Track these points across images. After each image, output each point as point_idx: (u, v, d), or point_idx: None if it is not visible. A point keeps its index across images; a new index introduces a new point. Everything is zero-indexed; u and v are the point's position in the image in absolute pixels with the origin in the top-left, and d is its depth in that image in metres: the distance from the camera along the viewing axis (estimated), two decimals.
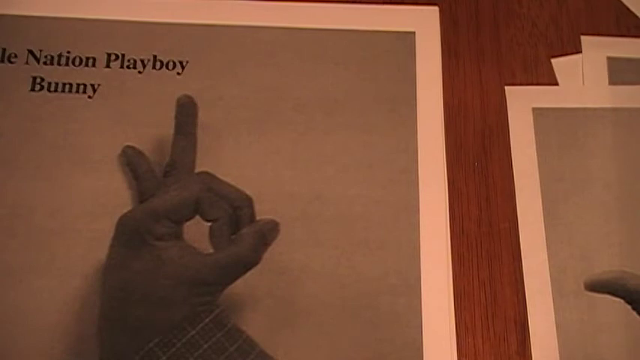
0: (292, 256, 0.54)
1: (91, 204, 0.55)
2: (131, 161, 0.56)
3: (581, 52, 0.62)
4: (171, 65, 0.59)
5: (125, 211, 0.53)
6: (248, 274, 0.51)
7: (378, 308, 0.53)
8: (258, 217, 0.54)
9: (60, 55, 0.60)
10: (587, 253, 0.55)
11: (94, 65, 0.59)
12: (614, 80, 0.61)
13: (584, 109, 0.60)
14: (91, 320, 0.51)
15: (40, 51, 0.60)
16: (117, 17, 0.61)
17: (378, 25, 0.61)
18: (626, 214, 0.56)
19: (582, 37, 0.62)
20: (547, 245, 0.55)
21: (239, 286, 0.52)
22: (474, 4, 0.64)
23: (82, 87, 0.59)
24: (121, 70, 0.59)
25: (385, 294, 0.53)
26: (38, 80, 0.59)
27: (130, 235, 0.51)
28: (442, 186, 0.57)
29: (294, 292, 0.53)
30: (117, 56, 0.60)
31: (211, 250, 0.52)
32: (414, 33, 0.61)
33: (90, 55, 0.60)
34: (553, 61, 0.62)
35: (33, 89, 0.58)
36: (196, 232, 0.53)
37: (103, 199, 0.55)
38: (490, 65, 0.61)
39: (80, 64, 0.59)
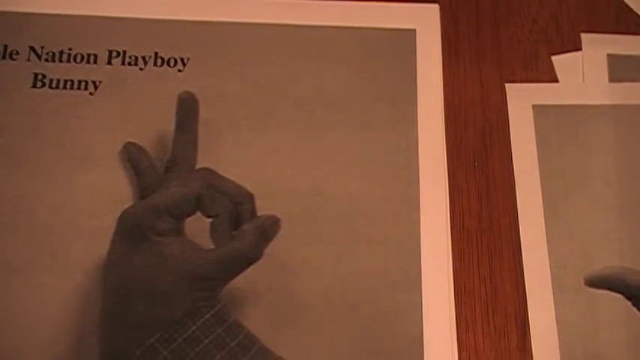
0: (293, 252, 0.54)
1: (93, 200, 0.55)
2: (132, 157, 0.56)
3: (581, 49, 0.62)
4: (172, 62, 0.60)
5: (126, 207, 0.53)
6: (249, 269, 0.51)
7: (378, 304, 0.53)
8: (258, 213, 0.54)
9: (61, 52, 0.60)
10: (587, 249, 0.55)
11: (95, 62, 0.59)
12: (614, 77, 0.61)
13: (585, 106, 0.60)
14: (92, 316, 0.51)
15: (42, 48, 0.60)
16: (118, 14, 0.61)
17: (379, 22, 0.61)
18: (627, 210, 0.56)
19: (582, 35, 0.62)
20: (547, 241, 0.55)
21: (240, 281, 0.52)
22: (474, 1, 0.64)
23: (83, 84, 0.59)
24: (123, 66, 0.59)
25: (386, 290, 0.53)
26: (40, 77, 0.59)
27: (131, 231, 0.51)
28: (442, 182, 0.57)
29: (295, 288, 0.53)
30: (118, 53, 0.60)
31: (212, 246, 0.52)
32: (414, 30, 0.61)
33: (91, 52, 0.60)
34: (553, 58, 0.62)
35: (34, 86, 0.59)
36: (197, 228, 0.53)
37: (104, 195, 0.55)
38: (490, 62, 0.62)
39: (82, 60, 0.59)
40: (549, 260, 0.55)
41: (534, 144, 0.59)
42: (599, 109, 0.60)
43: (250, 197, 0.54)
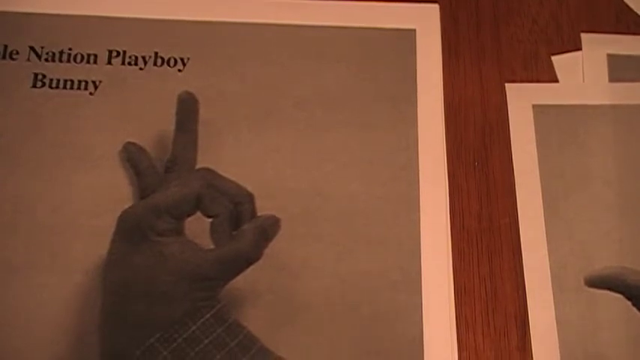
0: (293, 252, 0.54)
1: (93, 200, 0.55)
2: (132, 157, 0.56)
3: (581, 49, 0.62)
4: (172, 62, 0.60)
5: (126, 207, 0.53)
6: (249, 269, 0.52)
7: (378, 304, 0.53)
8: (258, 214, 0.54)
9: (61, 52, 0.60)
10: (587, 249, 0.55)
11: (95, 62, 0.60)
12: (614, 77, 0.61)
13: (584, 106, 0.60)
14: (92, 316, 0.52)
15: (42, 48, 0.60)
16: (118, 14, 0.61)
17: (379, 22, 0.61)
18: (626, 210, 0.56)
19: (582, 35, 0.62)
20: (547, 241, 0.55)
21: (240, 281, 0.52)
22: (474, 1, 0.64)
23: (83, 84, 0.59)
24: (123, 66, 0.59)
25: (386, 289, 0.53)
26: (40, 77, 0.59)
27: (132, 231, 0.51)
28: (442, 182, 0.57)
29: (295, 288, 0.53)
30: (118, 53, 0.60)
31: (212, 246, 0.52)
32: (414, 30, 0.61)
33: (91, 52, 0.60)
34: (553, 58, 0.62)
35: (34, 86, 0.59)
36: (197, 228, 0.53)
37: (104, 195, 0.55)
38: (490, 62, 0.62)
39: (82, 60, 0.60)
40: (549, 260, 0.55)
41: (534, 144, 0.59)
42: (599, 109, 0.60)
43: (250, 197, 0.54)
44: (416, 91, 0.59)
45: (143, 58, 0.60)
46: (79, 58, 0.60)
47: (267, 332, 0.51)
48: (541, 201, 0.57)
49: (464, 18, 0.63)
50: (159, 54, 0.60)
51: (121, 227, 0.52)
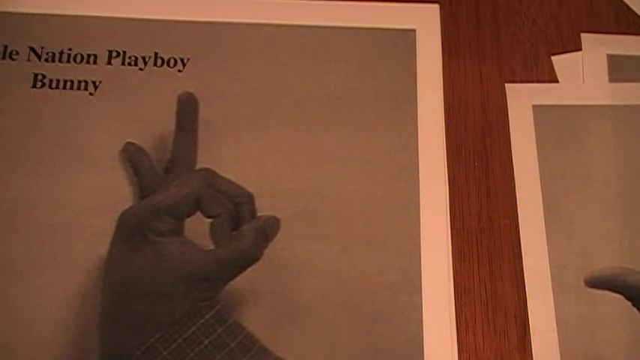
0: (293, 252, 0.54)
1: (93, 200, 0.55)
2: (132, 157, 0.56)
3: (581, 49, 0.62)
4: (172, 62, 0.60)
5: (126, 207, 0.53)
6: (249, 269, 0.52)
7: (378, 304, 0.53)
8: (258, 214, 0.54)
9: (61, 52, 0.60)
10: (587, 249, 0.55)
11: (95, 62, 0.60)
12: (614, 78, 0.61)
13: (585, 106, 0.60)
14: (92, 316, 0.52)
15: (42, 48, 0.60)
16: (118, 14, 0.61)
17: (379, 22, 0.62)
18: (626, 210, 0.56)
19: (582, 35, 0.62)
20: (547, 241, 0.55)
21: (240, 281, 0.52)
22: (474, 1, 0.64)
23: (83, 84, 0.59)
24: (123, 67, 0.59)
25: (386, 290, 0.53)
26: (40, 77, 0.59)
27: (131, 232, 0.51)
28: (442, 182, 0.57)
29: (295, 288, 0.53)
30: (118, 53, 0.60)
31: (212, 247, 0.52)
32: (414, 30, 0.61)
33: (91, 52, 0.60)
34: (553, 58, 0.62)
35: (34, 86, 0.59)
36: (197, 228, 0.53)
37: (104, 195, 0.55)
38: (490, 62, 0.62)
39: (81, 61, 0.60)
40: (549, 261, 0.55)
41: (534, 144, 0.59)
42: (599, 109, 0.60)
43: (250, 197, 0.54)
44: (416, 91, 0.59)
45: (143, 58, 0.60)
46: (78, 58, 0.60)
47: (267, 332, 0.52)
48: (541, 201, 0.57)
49: (464, 18, 0.63)
50: (159, 54, 0.60)
51: (120, 228, 0.52)
